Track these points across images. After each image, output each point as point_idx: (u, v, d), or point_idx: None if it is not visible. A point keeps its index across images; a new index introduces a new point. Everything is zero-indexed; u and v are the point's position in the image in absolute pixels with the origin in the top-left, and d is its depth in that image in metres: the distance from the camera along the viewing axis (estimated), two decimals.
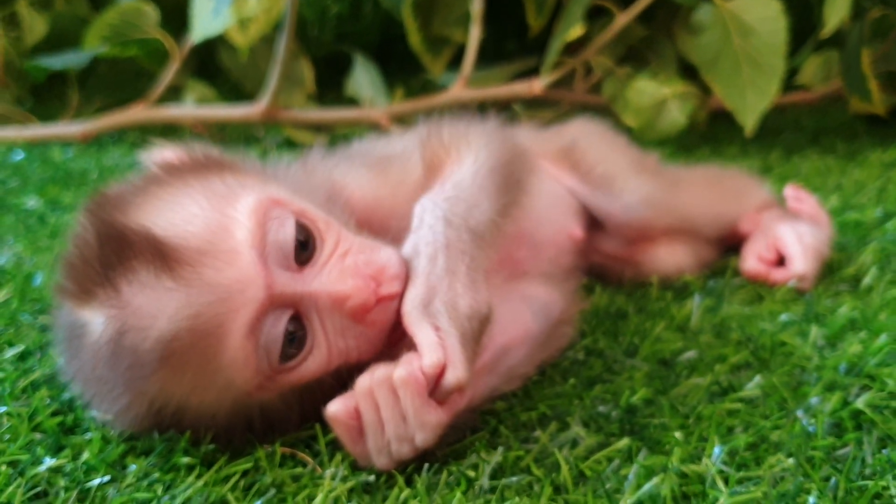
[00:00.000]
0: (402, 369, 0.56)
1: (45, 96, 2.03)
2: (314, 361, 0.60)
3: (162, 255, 0.55)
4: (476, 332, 0.59)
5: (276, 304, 0.57)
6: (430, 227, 0.62)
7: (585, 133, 0.99)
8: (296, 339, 0.58)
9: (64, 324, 0.61)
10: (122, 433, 0.63)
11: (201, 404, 0.58)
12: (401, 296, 0.60)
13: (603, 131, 1.01)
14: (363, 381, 0.57)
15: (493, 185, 0.67)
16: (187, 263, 0.55)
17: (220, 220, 0.57)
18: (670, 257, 0.94)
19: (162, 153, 0.66)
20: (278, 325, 0.57)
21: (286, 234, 0.58)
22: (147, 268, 0.55)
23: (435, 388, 0.57)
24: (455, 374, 0.56)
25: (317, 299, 0.59)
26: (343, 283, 0.59)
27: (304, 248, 0.59)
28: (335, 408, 0.57)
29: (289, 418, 0.63)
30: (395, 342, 0.61)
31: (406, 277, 0.60)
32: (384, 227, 0.68)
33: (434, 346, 0.56)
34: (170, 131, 1.78)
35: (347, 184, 0.71)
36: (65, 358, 0.62)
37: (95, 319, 0.57)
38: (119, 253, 0.55)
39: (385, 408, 0.57)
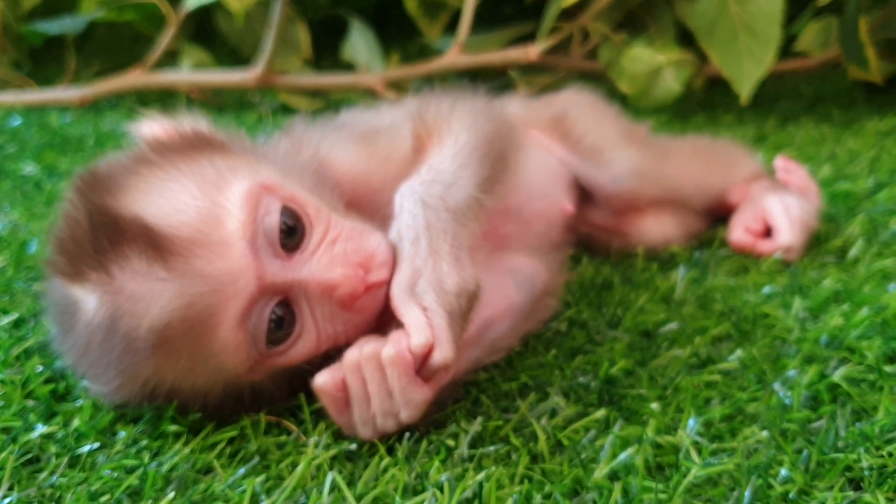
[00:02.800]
0: (391, 347, 0.57)
1: (42, 60, 2.03)
2: (303, 346, 0.61)
3: (154, 245, 0.56)
4: (464, 308, 0.60)
5: (267, 293, 0.58)
6: (409, 212, 0.63)
7: (576, 103, 0.99)
8: (284, 324, 0.60)
9: (56, 298, 0.62)
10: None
11: (193, 386, 0.60)
12: (387, 284, 0.61)
13: (594, 101, 1.01)
14: (351, 355, 0.58)
15: (473, 164, 0.68)
16: (179, 254, 0.56)
17: (210, 209, 0.58)
18: (658, 228, 0.94)
19: (151, 126, 0.66)
20: (265, 312, 0.58)
21: (272, 220, 0.59)
22: (139, 256, 0.56)
23: (422, 367, 0.58)
24: (442, 353, 0.57)
25: (306, 287, 0.60)
26: (332, 272, 0.60)
27: (294, 234, 0.60)
28: (322, 379, 0.58)
29: (278, 394, 0.64)
30: (384, 325, 0.62)
31: (394, 263, 0.61)
32: (373, 202, 0.69)
33: (422, 327, 0.57)
34: (166, 96, 1.78)
35: (335, 158, 0.72)
36: (57, 332, 0.63)
37: (88, 298, 0.58)
38: (111, 239, 0.56)
39: (372, 383, 0.58)
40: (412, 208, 0.63)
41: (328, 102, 1.72)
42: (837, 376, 0.66)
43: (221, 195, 0.58)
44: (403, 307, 0.59)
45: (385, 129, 0.76)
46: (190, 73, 1.70)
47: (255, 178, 0.60)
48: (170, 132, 0.65)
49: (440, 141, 0.71)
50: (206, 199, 0.58)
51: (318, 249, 0.61)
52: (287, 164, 0.66)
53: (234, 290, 0.56)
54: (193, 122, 0.67)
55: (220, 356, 0.57)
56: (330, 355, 0.61)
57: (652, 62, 1.47)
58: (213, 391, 0.61)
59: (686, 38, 1.54)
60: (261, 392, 0.63)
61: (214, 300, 0.56)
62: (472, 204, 0.65)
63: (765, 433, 0.60)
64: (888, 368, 0.68)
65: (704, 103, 1.66)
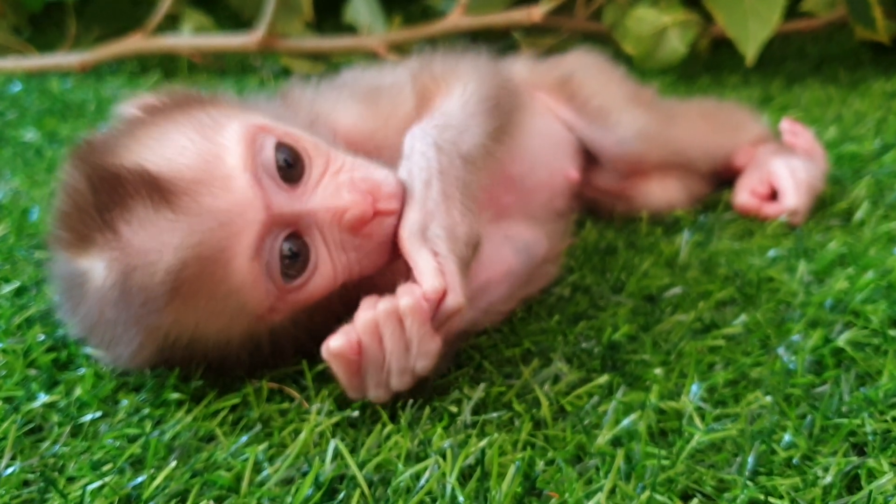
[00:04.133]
0: (408, 297, 0.57)
1: (42, 25, 2.01)
2: (321, 278, 0.60)
3: (158, 190, 0.56)
4: (469, 258, 0.60)
5: (277, 224, 0.58)
6: (422, 154, 0.63)
7: (583, 64, 0.98)
8: (300, 258, 0.59)
9: (62, 275, 0.61)
10: (115, 369, 0.65)
11: (215, 332, 0.59)
12: (398, 214, 0.60)
13: (601, 63, 0.99)
14: (365, 315, 0.58)
15: (482, 113, 0.68)
16: (184, 194, 0.56)
17: (210, 148, 0.58)
18: (663, 192, 0.94)
19: (141, 100, 0.66)
20: (277, 244, 0.58)
21: (268, 154, 0.59)
22: (144, 204, 0.56)
23: (434, 315, 0.58)
24: (455, 298, 0.57)
25: (315, 216, 0.59)
26: (339, 198, 0.60)
27: (293, 168, 0.60)
28: (338, 343, 0.57)
29: (296, 343, 0.64)
30: (394, 271, 0.62)
31: (403, 198, 0.61)
32: (375, 157, 0.68)
33: (434, 272, 0.57)
34: (167, 61, 1.76)
35: (334, 115, 0.72)
36: (66, 308, 0.63)
37: (96, 266, 0.57)
38: (114, 194, 0.56)
39: (390, 338, 0.57)
40: (425, 150, 0.63)
41: (330, 65, 1.71)
42: (842, 341, 0.66)
43: (219, 135, 0.58)
44: (415, 251, 0.59)
45: (387, 87, 0.76)
46: (191, 37, 1.68)
47: (250, 119, 0.61)
48: (160, 98, 0.65)
49: (448, 90, 0.70)
50: (205, 140, 0.58)
51: (323, 180, 0.61)
52: (280, 114, 0.66)
53: (243, 222, 0.56)
54: (181, 89, 0.67)
55: (239, 294, 0.57)
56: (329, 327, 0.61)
57: (657, 23, 1.45)
58: (235, 338, 0.60)
59: (690, 1, 1.52)
60: (282, 340, 0.62)
61: (225, 234, 0.56)
62: (481, 151, 0.66)
63: (768, 398, 0.60)
64: (893, 332, 0.67)
65: (709, 64, 1.64)
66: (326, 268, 0.60)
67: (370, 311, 0.58)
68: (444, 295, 0.57)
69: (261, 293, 0.58)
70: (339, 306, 0.63)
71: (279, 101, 0.72)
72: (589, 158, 0.93)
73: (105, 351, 0.63)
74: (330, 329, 0.63)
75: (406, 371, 0.58)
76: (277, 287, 0.58)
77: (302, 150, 0.61)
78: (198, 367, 0.63)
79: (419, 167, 0.62)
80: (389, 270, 0.63)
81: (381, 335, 0.57)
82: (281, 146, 0.60)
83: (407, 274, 0.60)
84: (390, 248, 0.61)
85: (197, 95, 0.66)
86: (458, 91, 0.70)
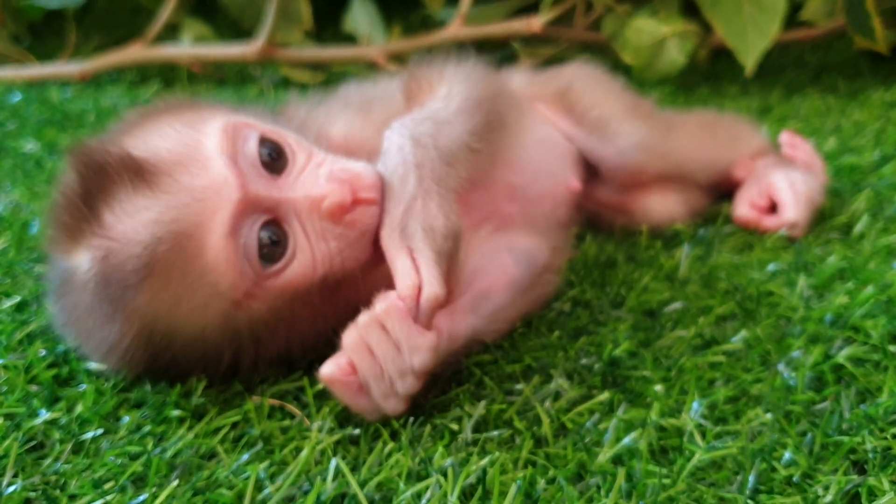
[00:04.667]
0: (382, 302, 0.58)
1: (42, 33, 2.01)
2: (299, 265, 0.61)
3: (139, 172, 0.58)
4: (451, 250, 0.60)
5: (254, 207, 0.59)
6: (398, 148, 0.64)
7: (581, 76, 0.98)
8: (279, 244, 0.60)
9: (55, 275, 0.63)
10: (115, 385, 0.65)
11: (189, 316, 0.60)
12: (378, 205, 0.61)
13: (599, 74, 1.00)
14: (350, 334, 0.58)
15: (465, 110, 0.69)
16: (163, 174, 0.58)
17: (192, 134, 0.60)
18: (662, 205, 0.94)
19: (140, 107, 0.69)
20: (254, 228, 0.59)
21: (251, 146, 0.61)
22: (125, 187, 0.58)
23: (416, 311, 0.58)
24: (430, 289, 0.57)
25: (294, 203, 0.61)
26: (318, 187, 0.61)
27: (277, 161, 0.62)
28: (329, 369, 0.58)
29: (277, 342, 0.64)
30: (379, 261, 0.62)
31: (382, 189, 0.62)
32: None
33: (408, 271, 0.58)
34: (167, 70, 1.76)
35: (328, 125, 0.74)
36: (57, 308, 0.64)
37: (83, 259, 0.59)
38: (99, 182, 0.58)
39: (378, 345, 0.58)
40: (402, 144, 0.64)
41: (330, 75, 1.71)
42: (842, 357, 0.66)
43: (202, 126, 0.61)
44: (393, 252, 0.59)
45: (379, 96, 0.78)
46: (191, 46, 1.69)
47: (234, 116, 0.63)
48: (156, 102, 0.68)
49: (432, 90, 0.72)
50: (188, 129, 0.61)
51: (304, 172, 0.62)
52: (269, 118, 0.68)
53: (219, 199, 0.58)
54: (178, 95, 0.70)
55: (213, 272, 0.58)
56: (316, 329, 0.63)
57: (656, 33, 1.46)
58: (211, 326, 0.60)
59: (690, 8, 1.52)
60: (261, 333, 0.63)
61: (200, 210, 0.57)
62: (462, 147, 0.66)
63: (769, 415, 0.60)
64: (893, 348, 0.68)
65: (708, 74, 1.64)
66: (305, 256, 0.61)
67: (353, 328, 0.59)
68: (420, 290, 0.57)
69: (236, 274, 0.58)
70: (322, 302, 0.64)
71: (273, 113, 0.73)
72: (589, 171, 0.93)
73: (86, 341, 0.63)
74: (315, 329, 0.64)
75: (406, 371, 0.58)
76: (254, 271, 0.59)
77: (286, 144, 0.63)
78: (185, 371, 0.64)
79: (395, 161, 0.63)
80: (373, 274, 0.63)
81: (370, 346, 0.58)
82: (265, 141, 0.62)
83: (389, 277, 0.60)
84: (372, 240, 0.62)
85: (190, 100, 0.68)
86: (443, 91, 0.71)
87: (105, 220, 0.57)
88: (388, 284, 0.59)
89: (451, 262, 0.59)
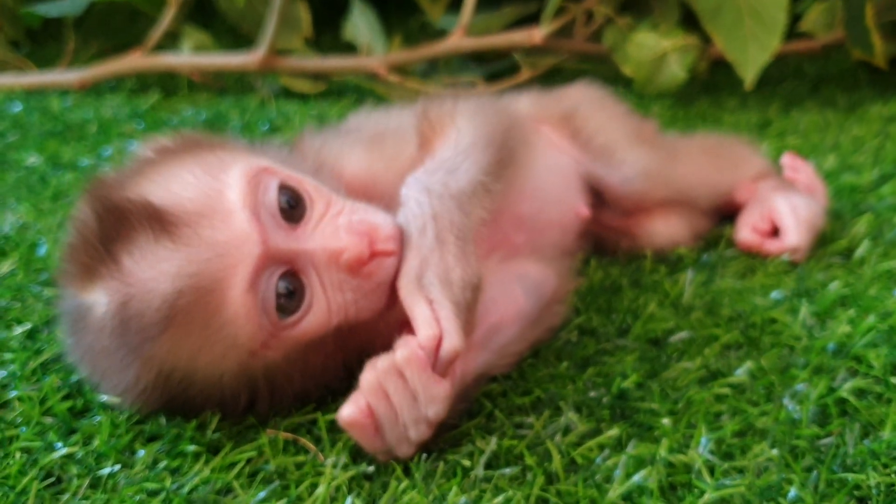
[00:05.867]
0: (403, 350, 0.58)
1: (41, 39, 2.01)
2: (315, 317, 0.61)
3: (160, 221, 0.58)
4: (469, 301, 0.61)
5: (273, 260, 0.59)
6: (415, 201, 0.64)
7: (587, 99, 0.99)
8: (295, 295, 0.60)
9: (68, 310, 0.63)
10: (130, 417, 0.66)
11: (208, 365, 0.60)
12: (396, 256, 0.62)
13: (603, 98, 1.01)
14: (368, 377, 0.59)
15: (476, 151, 0.69)
16: (185, 225, 0.58)
17: (213, 184, 0.60)
18: (665, 229, 0.95)
19: (156, 142, 0.68)
20: (273, 280, 0.60)
21: (271, 196, 0.61)
22: (146, 235, 0.58)
23: (435, 361, 0.59)
24: (451, 342, 0.58)
25: (312, 255, 0.61)
26: (337, 239, 0.61)
27: (295, 209, 0.62)
28: (348, 412, 0.59)
29: (292, 386, 0.65)
30: (393, 307, 0.63)
31: (401, 241, 0.62)
32: (380, 202, 0.69)
33: (429, 321, 0.59)
34: (167, 79, 1.77)
35: (341, 160, 0.74)
36: (71, 342, 0.64)
37: (99, 298, 0.59)
38: (118, 226, 0.58)
39: (395, 393, 0.59)
40: (417, 196, 0.64)
41: (330, 85, 1.71)
42: (845, 390, 0.67)
43: (222, 174, 0.61)
44: (411, 301, 0.60)
45: (392, 131, 0.78)
46: (190, 55, 1.69)
47: (254, 161, 0.63)
48: (173, 140, 0.68)
49: (444, 136, 0.72)
50: (209, 177, 0.60)
51: (322, 221, 0.62)
52: (287, 160, 0.68)
53: (240, 255, 0.58)
54: (194, 133, 0.70)
55: (232, 326, 0.58)
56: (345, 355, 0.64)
57: (657, 48, 1.46)
58: (228, 373, 0.61)
59: (690, 20, 1.53)
60: (276, 379, 0.64)
61: (222, 265, 0.57)
62: (476, 188, 0.67)
63: (775, 451, 0.61)
64: (895, 380, 0.69)
65: (708, 85, 1.65)
66: (321, 307, 0.61)
67: (371, 371, 0.59)
68: (440, 341, 0.58)
69: (254, 327, 0.59)
70: (335, 349, 0.65)
71: (288, 149, 0.74)
72: (592, 194, 0.94)
73: (101, 381, 0.64)
74: (328, 371, 0.65)
75: (420, 420, 0.59)
76: (271, 322, 0.60)
77: (304, 192, 0.63)
78: (200, 410, 0.64)
79: (413, 214, 0.63)
80: (387, 317, 0.64)
81: (387, 392, 0.59)
82: (284, 188, 0.62)
83: (403, 321, 0.61)
84: (388, 291, 0.63)
85: (207, 139, 0.68)
86: (452, 136, 0.71)
87: (124, 265, 0.57)
88: (400, 328, 0.60)
89: (469, 313, 0.60)
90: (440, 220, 0.63)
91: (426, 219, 0.63)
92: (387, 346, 0.60)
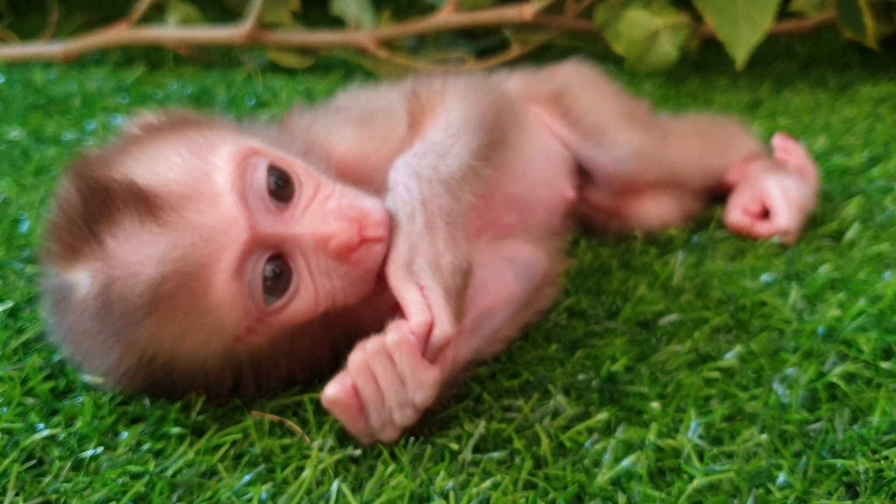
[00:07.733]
0: (394, 333, 0.58)
1: (24, 9, 1.98)
2: (302, 302, 0.61)
3: (145, 203, 0.56)
4: (460, 286, 0.60)
5: (260, 245, 0.58)
6: (404, 186, 0.63)
7: (578, 78, 0.98)
8: (282, 280, 0.59)
9: (50, 288, 0.62)
10: (113, 398, 0.65)
11: (192, 350, 0.59)
12: (385, 242, 0.61)
13: (595, 77, 0.99)
14: (356, 357, 0.58)
15: (466, 133, 0.68)
16: (171, 209, 0.56)
17: (200, 166, 0.59)
18: (656, 210, 0.94)
19: (142, 118, 0.67)
20: (260, 265, 0.58)
21: (260, 177, 0.60)
22: (131, 217, 0.56)
23: (425, 347, 0.58)
24: (442, 329, 0.57)
25: (300, 241, 0.60)
26: (326, 225, 0.60)
27: (283, 189, 0.61)
28: (333, 391, 0.58)
29: (278, 370, 0.64)
30: (381, 293, 0.62)
31: (390, 226, 0.61)
32: (370, 183, 0.69)
33: (420, 306, 0.58)
34: (153, 52, 1.74)
35: (330, 140, 0.72)
36: (53, 322, 0.63)
37: (82, 278, 0.58)
38: (102, 206, 0.57)
39: (383, 375, 0.58)
40: (406, 181, 0.63)
41: (318, 59, 1.69)
42: (835, 375, 0.67)
43: (210, 155, 0.59)
44: (401, 286, 0.59)
45: (381, 110, 0.77)
46: (176, 28, 1.66)
47: (243, 142, 0.61)
48: (159, 117, 0.66)
49: (433, 116, 0.71)
50: (196, 159, 0.59)
51: (311, 206, 0.61)
52: (275, 139, 0.67)
53: (226, 240, 0.57)
54: (181, 110, 0.68)
55: (217, 311, 0.57)
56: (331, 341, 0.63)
57: (649, 26, 1.45)
58: (212, 358, 0.60)
59: None
60: (261, 364, 0.63)
61: (208, 250, 0.56)
62: (466, 172, 0.65)
63: (764, 436, 0.61)
64: (884, 365, 0.69)
65: (699, 65, 1.64)
66: (308, 292, 0.61)
67: (360, 352, 0.58)
68: (431, 327, 0.57)
69: (240, 312, 0.58)
70: (322, 333, 0.64)
71: (277, 128, 0.72)
72: (583, 175, 0.93)
73: (84, 362, 0.63)
74: (314, 356, 0.64)
75: (406, 405, 0.59)
76: (257, 307, 0.59)
77: (293, 174, 0.62)
78: (184, 393, 0.63)
79: (402, 199, 0.62)
80: (374, 302, 0.64)
81: (375, 374, 0.58)
82: (273, 169, 0.61)
83: (392, 306, 0.60)
84: (376, 277, 0.62)
85: (195, 117, 0.67)
86: (442, 116, 0.70)
87: (108, 247, 0.56)
88: (388, 313, 0.59)
89: (459, 298, 0.59)
90: (430, 206, 0.62)
91: (415, 204, 0.62)
92: (375, 329, 0.59)
